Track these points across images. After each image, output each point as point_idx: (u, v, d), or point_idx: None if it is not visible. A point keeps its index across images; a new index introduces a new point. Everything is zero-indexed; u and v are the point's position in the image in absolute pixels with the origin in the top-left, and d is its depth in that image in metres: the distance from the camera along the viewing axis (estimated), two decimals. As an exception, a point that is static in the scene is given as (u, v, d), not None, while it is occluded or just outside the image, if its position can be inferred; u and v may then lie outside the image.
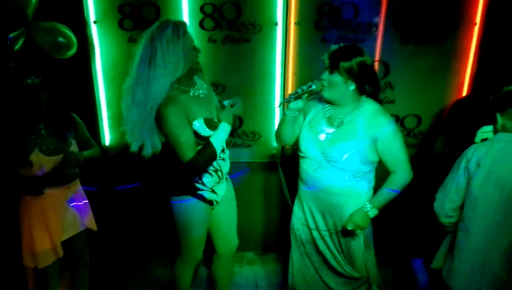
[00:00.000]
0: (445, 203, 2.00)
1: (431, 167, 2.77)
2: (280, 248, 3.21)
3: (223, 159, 2.21)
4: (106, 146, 2.97)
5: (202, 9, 2.71)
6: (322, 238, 2.25)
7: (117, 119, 2.93)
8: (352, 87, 1.97)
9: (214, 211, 2.32)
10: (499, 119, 1.95)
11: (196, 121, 2.03)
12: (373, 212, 2.06)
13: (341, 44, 2.00)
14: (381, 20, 2.70)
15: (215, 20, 2.72)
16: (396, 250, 3.14)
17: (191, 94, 2.06)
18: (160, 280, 3.11)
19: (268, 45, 2.77)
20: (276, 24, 2.73)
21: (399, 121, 2.94)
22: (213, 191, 2.22)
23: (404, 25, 2.71)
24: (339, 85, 1.97)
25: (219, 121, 2.11)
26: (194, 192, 2.18)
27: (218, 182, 2.23)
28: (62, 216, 2.30)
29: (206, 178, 2.17)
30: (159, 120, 1.98)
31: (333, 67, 1.95)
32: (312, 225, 2.26)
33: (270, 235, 3.28)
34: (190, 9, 2.70)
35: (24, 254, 2.26)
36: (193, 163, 2.01)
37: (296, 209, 2.34)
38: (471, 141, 2.34)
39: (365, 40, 2.73)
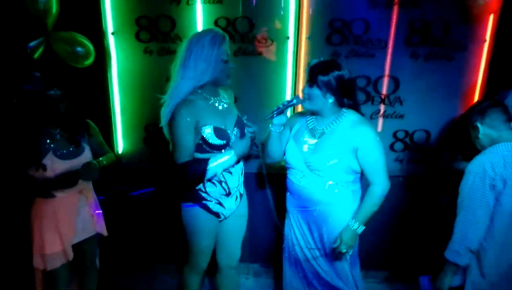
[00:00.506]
0: (479, 231, 1.97)
1: (440, 183, 2.79)
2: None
3: (230, 173, 2.22)
4: (119, 153, 3.03)
5: (216, 22, 2.79)
6: (310, 250, 2.27)
7: (131, 127, 3.01)
8: (331, 100, 2.04)
9: (223, 224, 2.34)
10: (480, 128, 1.99)
11: (206, 127, 2.08)
12: (360, 229, 2.08)
13: (321, 59, 2.08)
14: (391, 36, 2.75)
15: (229, 33, 2.78)
16: (407, 267, 3.13)
17: (210, 102, 2.14)
18: (167, 287, 3.14)
19: (279, 58, 2.82)
20: (287, 38, 2.79)
21: (407, 136, 2.96)
22: (219, 203, 2.24)
23: (414, 41, 2.76)
24: (318, 98, 2.04)
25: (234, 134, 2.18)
26: (199, 201, 2.22)
27: (225, 195, 2.24)
28: (74, 220, 2.33)
29: (210, 188, 2.20)
30: (170, 119, 2.05)
31: (312, 81, 2.03)
32: (299, 237, 2.29)
33: (277, 247, 3.28)
34: (204, 22, 2.78)
35: (34, 256, 2.29)
36: (182, 169, 2.07)
37: (286, 221, 2.37)
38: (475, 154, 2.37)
39: (375, 55, 2.78)
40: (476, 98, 2.82)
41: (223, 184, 2.22)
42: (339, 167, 2.05)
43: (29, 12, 2.58)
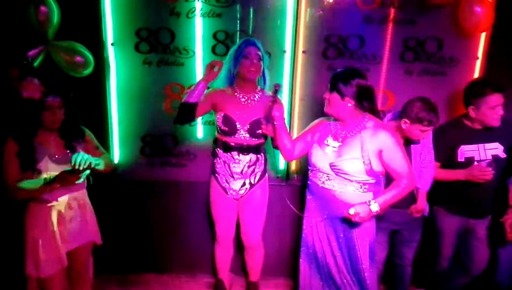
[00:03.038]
0: None
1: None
2: (292, 272, 3.18)
3: (235, 160, 2.61)
4: (115, 163, 3.03)
5: (215, 36, 2.85)
6: (331, 251, 2.33)
7: (128, 137, 3.03)
8: (350, 104, 2.14)
9: (240, 206, 2.76)
10: None
11: (220, 113, 2.55)
12: (374, 207, 2.12)
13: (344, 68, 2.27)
14: (386, 52, 2.82)
15: (227, 46, 2.84)
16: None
17: (235, 94, 2.58)
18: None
19: (276, 71, 2.86)
20: (284, 52, 2.85)
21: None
22: (226, 181, 2.68)
23: (408, 58, 2.84)
24: (338, 102, 2.15)
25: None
26: (214, 172, 2.73)
27: (230, 176, 2.65)
28: (68, 226, 2.32)
29: (218, 165, 2.68)
30: None
31: (332, 87, 2.16)
32: (321, 237, 2.35)
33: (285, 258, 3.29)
34: (203, 35, 2.84)
35: (28, 263, 2.27)
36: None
37: (306, 221, 2.43)
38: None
39: (370, 70, 2.85)
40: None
41: (226, 165, 2.65)
42: (362, 169, 2.15)
43: (30, 22, 2.63)
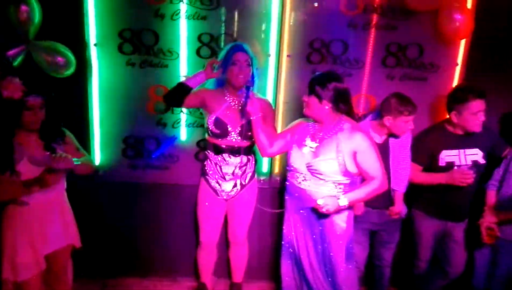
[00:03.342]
0: None
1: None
2: (275, 274, 3.18)
3: (226, 162, 2.65)
4: (96, 165, 2.98)
5: (199, 38, 2.84)
6: (307, 251, 2.39)
7: (109, 139, 2.99)
8: (327, 106, 2.21)
9: (230, 206, 2.80)
10: None
11: (211, 116, 2.58)
12: (342, 201, 2.19)
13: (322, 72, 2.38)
14: (368, 57, 2.86)
15: (212, 49, 2.84)
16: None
17: (226, 97, 2.62)
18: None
19: (261, 75, 2.85)
20: (269, 55, 2.86)
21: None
22: (217, 182, 2.71)
23: (390, 63, 2.89)
24: (316, 105, 2.23)
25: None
26: (204, 174, 2.76)
27: (221, 177, 2.69)
28: (46, 228, 2.29)
29: (209, 167, 2.72)
30: None
31: (310, 90, 2.24)
32: (297, 235, 2.42)
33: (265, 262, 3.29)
34: (188, 37, 2.83)
35: (4, 266, 2.22)
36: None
37: (285, 220, 2.49)
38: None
39: (353, 74, 2.88)
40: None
41: (218, 167, 2.68)
42: (338, 169, 2.21)
43: (10, 21, 2.57)
